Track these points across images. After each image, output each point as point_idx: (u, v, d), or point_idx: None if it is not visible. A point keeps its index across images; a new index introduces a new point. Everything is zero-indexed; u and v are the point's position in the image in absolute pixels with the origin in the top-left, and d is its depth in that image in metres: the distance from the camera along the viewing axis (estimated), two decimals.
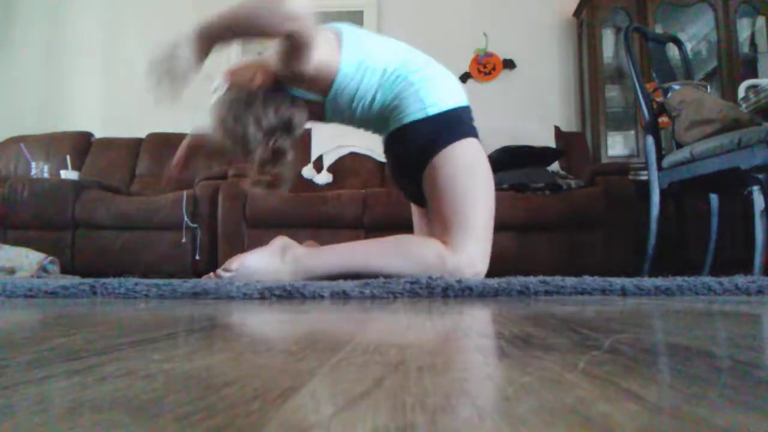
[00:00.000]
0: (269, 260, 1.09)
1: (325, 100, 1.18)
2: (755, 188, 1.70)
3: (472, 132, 1.19)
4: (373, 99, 1.17)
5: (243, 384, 0.23)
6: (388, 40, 1.24)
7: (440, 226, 1.13)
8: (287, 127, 1.14)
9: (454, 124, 1.16)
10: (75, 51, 3.63)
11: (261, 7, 1.01)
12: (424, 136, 1.14)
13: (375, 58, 1.16)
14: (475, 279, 1.06)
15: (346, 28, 1.20)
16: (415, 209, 1.37)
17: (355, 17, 3.48)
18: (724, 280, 0.87)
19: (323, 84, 1.14)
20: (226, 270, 1.06)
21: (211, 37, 1.06)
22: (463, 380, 0.24)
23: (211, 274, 1.08)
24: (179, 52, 1.02)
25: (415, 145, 1.15)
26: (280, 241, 1.13)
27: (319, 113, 1.23)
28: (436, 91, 1.16)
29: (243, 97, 1.13)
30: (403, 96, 1.15)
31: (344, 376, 0.24)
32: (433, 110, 1.14)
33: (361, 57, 1.15)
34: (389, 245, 1.11)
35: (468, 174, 1.14)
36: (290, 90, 1.17)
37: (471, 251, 1.09)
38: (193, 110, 3.45)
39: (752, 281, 0.86)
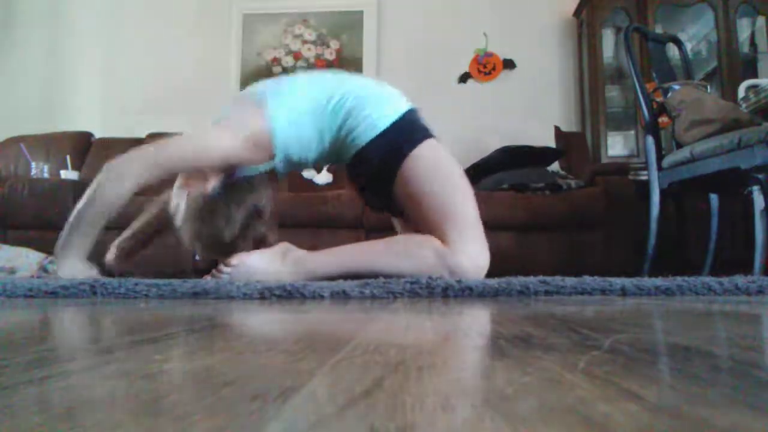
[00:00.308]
0: (269, 261, 1.09)
1: (275, 164, 1.21)
2: (755, 188, 1.70)
3: (428, 133, 1.20)
4: (321, 139, 1.19)
5: (243, 384, 0.23)
6: (312, 78, 1.26)
7: (429, 228, 1.12)
8: (258, 214, 1.20)
9: (408, 130, 1.17)
10: (75, 51, 3.63)
11: (195, 152, 1.12)
12: (383, 150, 1.15)
13: (304, 104, 1.18)
14: (475, 279, 1.06)
15: (267, 89, 1.22)
16: (396, 221, 1.37)
17: (355, 17, 3.48)
18: (724, 280, 0.87)
19: (266, 153, 1.18)
20: (227, 265, 1.06)
21: (166, 176, 1.14)
22: (463, 380, 0.24)
23: (213, 270, 1.08)
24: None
25: (378, 161, 1.15)
26: (281, 246, 1.13)
27: (276, 175, 1.27)
28: (378, 105, 1.17)
29: (205, 206, 1.16)
30: (350, 123, 1.16)
31: (344, 376, 0.24)
32: (382, 124, 1.15)
33: (288, 110, 1.17)
34: (388, 246, 1.11)
35: (440, 173, 1.15)
36: (242, 172, 1.20)
37: (469, 246, 1.09)
38: (193, 111, 3.47)
39: (752, 281, 0.86)
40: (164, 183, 1.19)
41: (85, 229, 1.10)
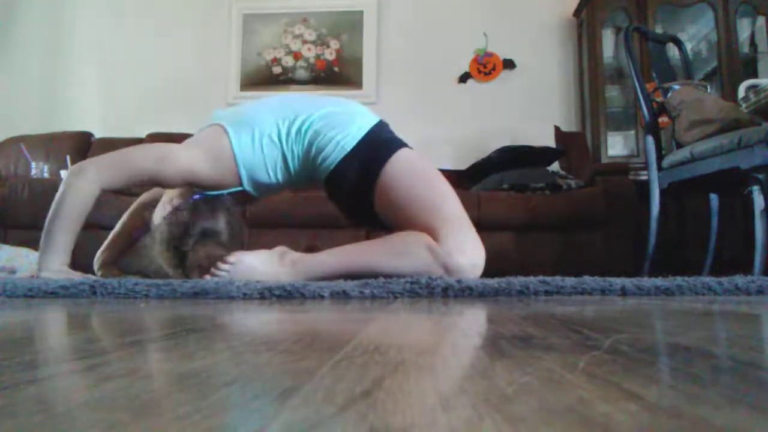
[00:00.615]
0: (267, 261, 1.09)
1: (245, 188, 1.23)
2: (755, 188, 1.70)
3: (399, 144, 1.21)
4: (285, 161, 1.21)
5: (243, 384, 0.23)
6: (272, 103, 1.27)
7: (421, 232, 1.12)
8: (212, 235, 1.20)
9: (378, 144, 1.18)
10: (75, 51, 3.63)
11: (158, 170, 1.15)
12: (357, 166, 1.16)
13: (263, 126, 1.20)
14: (472, 276, 1.06)
15: (226, 116, 1.25)
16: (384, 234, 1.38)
17: (355, 17, 3.48)
18: (724, 280, 0.87)
19: (232, 176, 1.21)
20: (225, 263, 1.06)
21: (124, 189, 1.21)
22: (463, 380, 0.24)
23: (212, 269, 1.08)
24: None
25: (353, 178, 1.16)
26: (279, 249, 1.14)
27: (249, 197, 1.29)
28: (343, 124, 1.18)
29: (177, 233, 1.19)
30: (317, 145, 1.18)
31: (344, 376, 0.24)
32: (350, 143, 1.16)
33: (249, 134, 1.19)
34: (384, 246, 1.11)
35: (419, 176, 1.16)
36: (211, 194, 1.23)
37: (461, 243, 1.09)
38: (193, 111, 3.47)
39: (752, 281, 0.86)
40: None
41: (59, 233, 1.11)
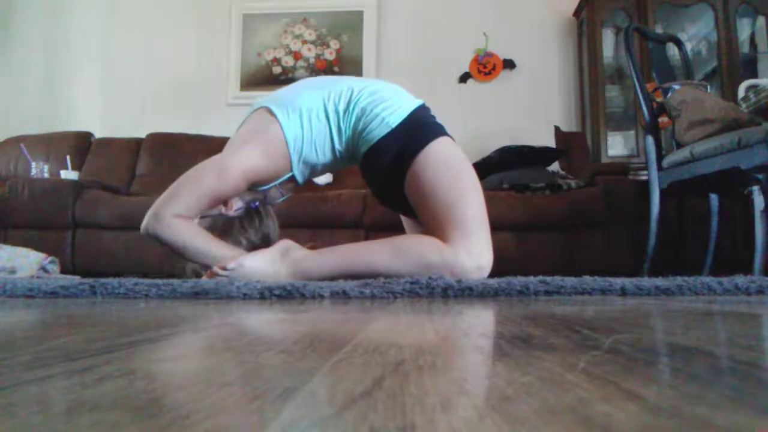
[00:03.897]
0: (268, 262, 1.08)
1: (294, 172, 1.23)
2: (755, 188, 1.70)
3: (440, 131, 1.20)
4: (332, 139, 1.21)
5: (243, 384, 0.23)
6: (313, 81, 1.28)
7: (434, 227, 1.12)
8: (265, 240, 1.24)
9: (420, 126, 1.18)
10: (75, 51, 3.63)
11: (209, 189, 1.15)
12: (394, 146, 1.16)
13: (311, 104, 1.20)
14: (475, 279, 1.06)
15: (270, 99, 1.25)
16: (406, 221, 1.38)
17: (355, 17, 3.48)
18: (724, 280, 0.87)
19: (285, 161, 1.20)
20: (223, 268, 1.06)
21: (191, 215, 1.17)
22: (463, 380, 0.24)
23: (209, 271, 1.08)
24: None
25: (390, 158, 1.16)
26: (283, 244, 1.13)
27: (294, 184, 1.30)
28: (389, 102, 1.18)
29: (218, 225, 1.21)
30: (363, 122, 1.18)
31: (344, 376, 0.24)
32: (394, 121, 1.16)
33: (296, 113, 1.19)
34: (388, 246, 1.11)
35: (450, 171, 1.15)
36: (263, 188, 1.25)
37: (471, 246, 1.08)
38: (193, 111, 3.47)
39: (752, 281, 0.86)
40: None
41: (206, 248, 1.12)
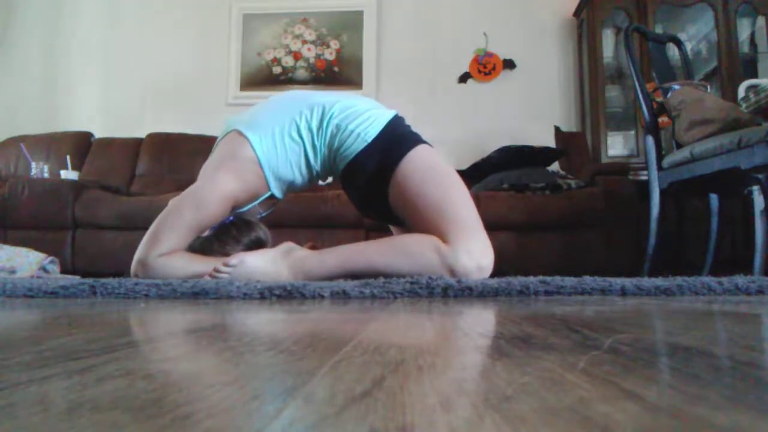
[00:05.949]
0: (269, 261, 1.08)
1: (272, 190, 1.24)
2: (755, 188, 1.70)
3: (418, 139, 1.21)
4: (307, 157, 1.21)
5: (243, 384, 0.23)
6: (284, 98, 1.28)
7: (430, 232, 1.11)
8: (258, 245, 1.24)
9: (397, 136, 1.18)
10: (75, 51, 3.63)
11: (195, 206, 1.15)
12: (374, 159, 1.16)
13: (282, 124, 1.20)
14: (475, 279, 1.06)
15: (241, 120, 1.25)
16: (393, 229, 1.37)
17: (355, 17, 3.48)
18: (724, 280, 0.87)
19: (261, 182, 1.21)
20: (226, 265, 1.06)
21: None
22: (463, 380, 0.24)
23: (212, 270, 1.08)
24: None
25: (370, 171, 1.16)
26: (285, 246, 1.13)
27: (274, 201, 1.30)
28: (364, 117, 1.19)
29: (195, 246, 1.21)
30: (339, 139, 1.18)
31: (344, 376, 0.24)
32: (370, 135, 1.17)
33: (268, 134, 1.19)
34: (388, 246, 1.11)
35: (437, 175, 1.15)
36: (242, 210, 1.25)
37: (471, 245, 1.08)
38: (193, 111, 3.47)
39: (752, 281, 0.86)
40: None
41: (201, 272, 1.12)
